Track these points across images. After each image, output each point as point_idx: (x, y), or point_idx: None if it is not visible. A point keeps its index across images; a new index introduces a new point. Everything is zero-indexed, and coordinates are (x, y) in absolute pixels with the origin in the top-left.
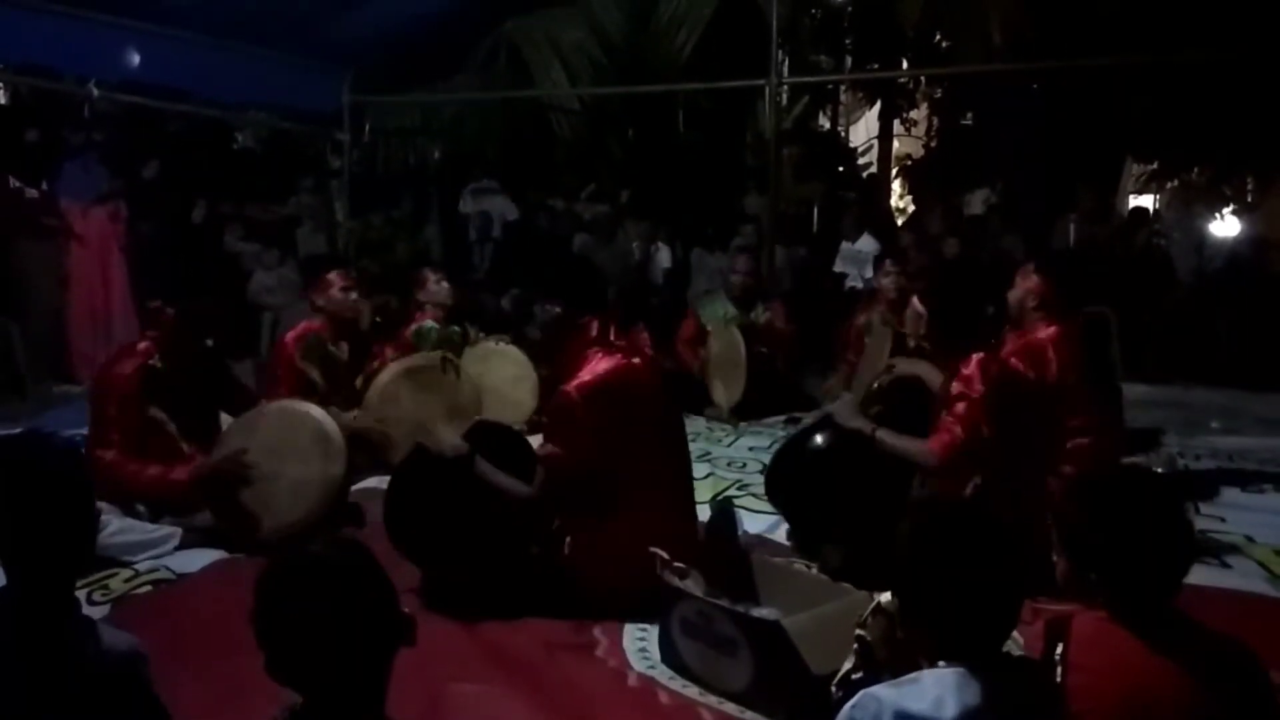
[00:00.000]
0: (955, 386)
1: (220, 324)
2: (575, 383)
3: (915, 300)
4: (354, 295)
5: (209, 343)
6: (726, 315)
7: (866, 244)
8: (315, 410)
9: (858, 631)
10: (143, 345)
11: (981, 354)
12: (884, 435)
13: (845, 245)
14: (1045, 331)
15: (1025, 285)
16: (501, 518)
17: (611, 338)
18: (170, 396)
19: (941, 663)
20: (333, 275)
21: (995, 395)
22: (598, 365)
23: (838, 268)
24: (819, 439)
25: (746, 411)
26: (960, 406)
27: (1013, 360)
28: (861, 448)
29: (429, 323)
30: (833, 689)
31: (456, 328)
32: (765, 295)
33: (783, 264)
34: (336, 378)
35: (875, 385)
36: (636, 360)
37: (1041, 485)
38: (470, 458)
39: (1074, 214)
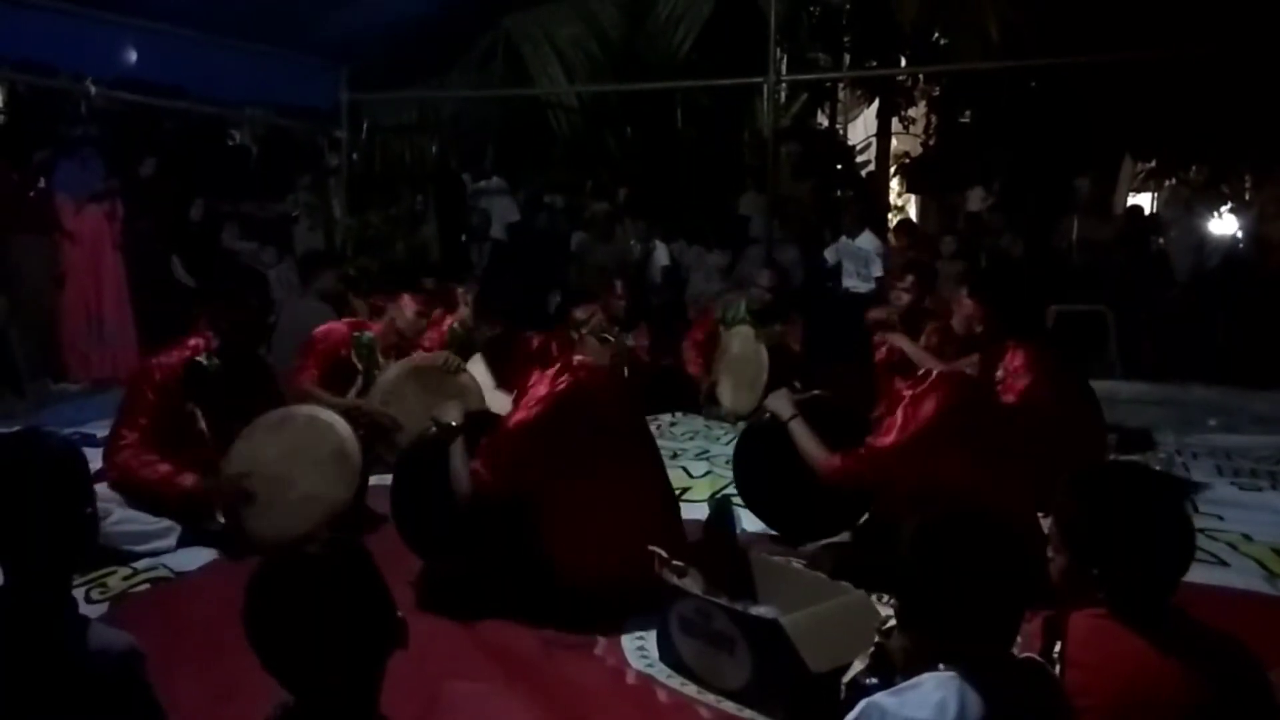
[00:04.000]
0: (901, 405)
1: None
2: (515, 418)
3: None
4: (425, 321)
5: (258, 348)
6: (739, 317)
7: (867, 241)
8: (341, 425)
9: (877, 639)
10: (194, 341)
11: (944, 378)
12: (795, 426)
13: (844, 240)
14: (1015, 361)
15: (962, 311)
16: (499, 511)
17: (553, 354)
18: (211, 395)
19: (942, 665)
20: (407, 298)
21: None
22: (537, 392)
23: (830, 259)
24: (765, 418)
25: (747, 417)
26: (880, 433)
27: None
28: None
29: (458, 325)
30: (843, 689)
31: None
32: (784, 314)
33: (792, 262)
34: (371, 386)
35: None
36: (578, 375)
37: (1030, 494)
38: (455, 432)
39: (1076, 212)
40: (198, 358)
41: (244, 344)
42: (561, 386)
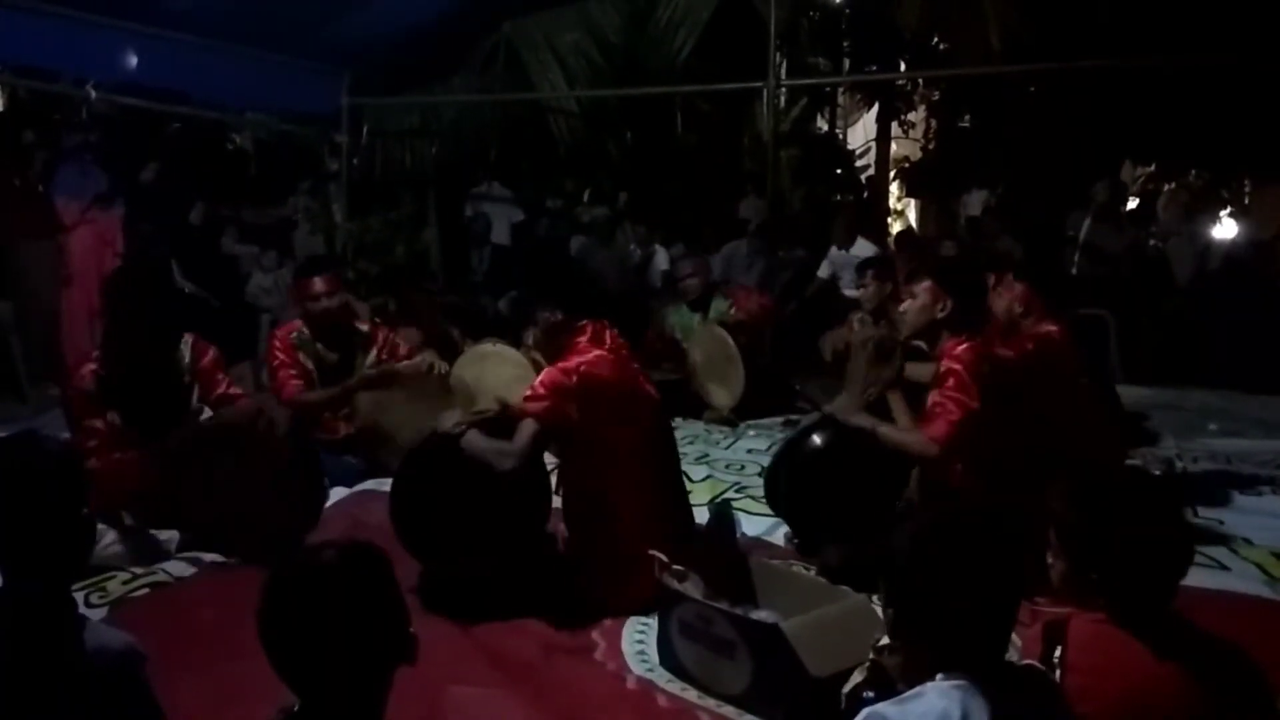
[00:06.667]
0: (942, 365)
1: (162, 323)
2: (561, 364)
3: (917, 289)
4: (324, 303)
5: (153, 344)
6: (696, 322)
7: (863, 248)
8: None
9: (871, 656)
10: (98, 353)
11: (968, 341)
12: (886, 431)
13: (834, 251)
14: (1049, 328)
15: (1009, 294)
16: (504, 515)
17: (606, 342)
18: (127, 404)
19: (941, 675)
20: (316, 280)
21: (986, 380)
22: (584, 353)
23: (824, 273)
24: (817, 439)
25: (745, 411)
26: (947, 385)
27: (1026, 349)
28: (861, 446)
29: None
30: (843, 699)
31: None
32: (717, 288)
33: (782, 264)
34: (327, 381)
35: (873, 392)
36: (623, 358)
37: (1038, 485)
38: (463, 431)
39: (1090, 218)
40: (100, 370)
41: (126, 362)
42: (606, 355)
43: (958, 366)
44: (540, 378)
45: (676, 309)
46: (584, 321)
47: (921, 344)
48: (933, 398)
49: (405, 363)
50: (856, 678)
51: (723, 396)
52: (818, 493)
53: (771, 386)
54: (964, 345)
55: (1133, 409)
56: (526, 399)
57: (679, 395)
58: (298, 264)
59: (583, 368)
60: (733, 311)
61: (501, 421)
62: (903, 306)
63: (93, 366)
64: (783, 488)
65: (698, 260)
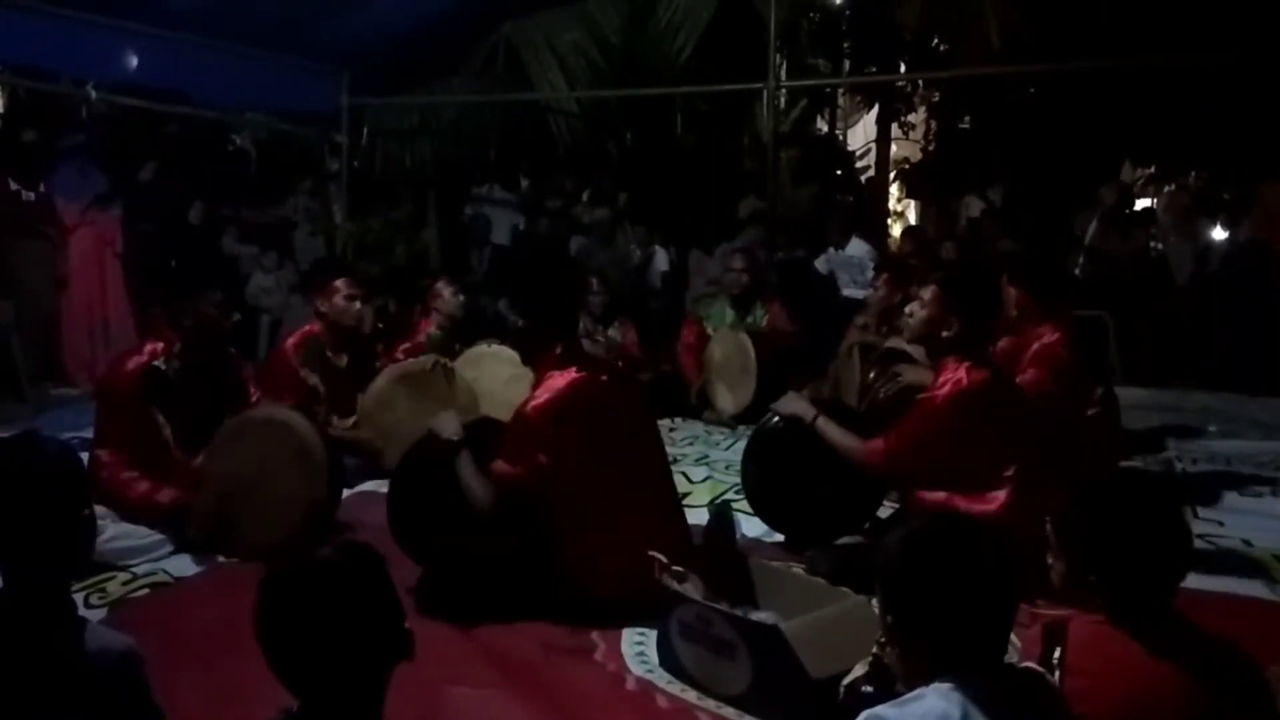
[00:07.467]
0: (931, 387)
1: (230, 326)
2: (532, 404)
3: (926, 295)
4: (357, 305)
5: (224, 346)
6: (731, 321)
7: (857, 248)
8: (300, 424)
9: (874, 651)
10: (150, 345)
11: (967, 363)
12: (823, 424)
13: (831, 250)
14: (1051, 337)
15: (1004, 298)
16: (502, 516)
17: (577, 360)
18: (171, 400)
19: (941, 677)
20: (339, 282)
21: (984, 412)
22: (554, 383)
23: (823, 269)
24: (774, 421)
25: (747, 416)
26: (920, 418)
27: (1030, 372)
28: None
29: (435, 330)
30: (841, 690)
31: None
32: (762, 294)
33: (782, 262)
34: (335, 385)
35: (881, 394)
36: (598, 374)
37: (1040, 488)
38: (458, 446)
39: (1097, 221)
40: (155, 362)
41: (206, 343)
42: (579, 378)
43: (938, 407)
44: (512, 436)
45: (716, 300)
46: (554, 340)
47: (920, 349)
48: (906, 422)
49: (410, 360)
50: (857, 671)
51: (727, 402)
52: (779, 471)
53: (770, 389)
54: (959, 372)
55: (1133, 411)
56: (501, 457)
57: (679, 391)
58: (306, 267)
59: (550, 405)
60: (766, 322)
61: (496, 431)
62: (908, 308)
63: (142, 359)
64: (751, 470)
65: (749, 257)
